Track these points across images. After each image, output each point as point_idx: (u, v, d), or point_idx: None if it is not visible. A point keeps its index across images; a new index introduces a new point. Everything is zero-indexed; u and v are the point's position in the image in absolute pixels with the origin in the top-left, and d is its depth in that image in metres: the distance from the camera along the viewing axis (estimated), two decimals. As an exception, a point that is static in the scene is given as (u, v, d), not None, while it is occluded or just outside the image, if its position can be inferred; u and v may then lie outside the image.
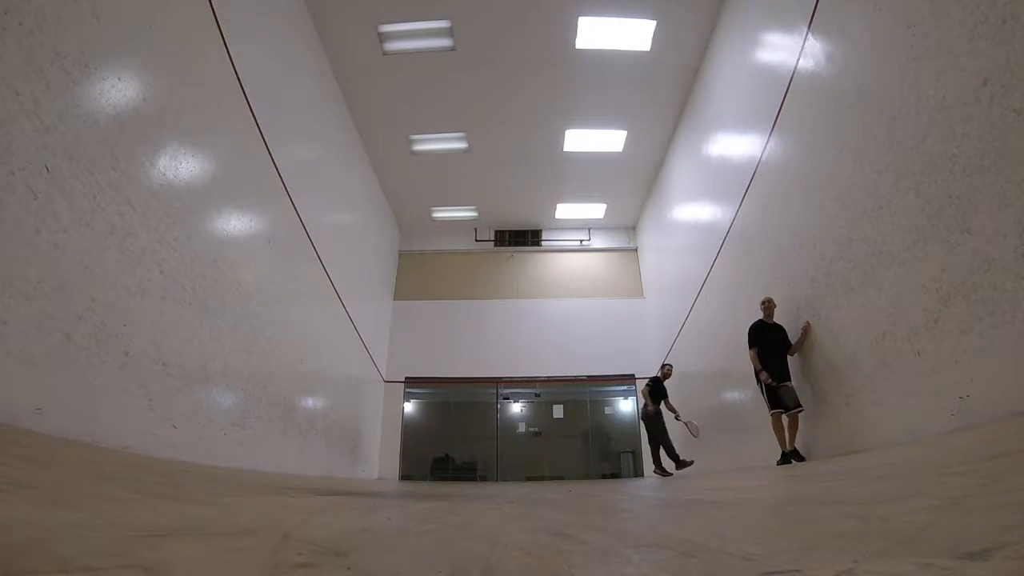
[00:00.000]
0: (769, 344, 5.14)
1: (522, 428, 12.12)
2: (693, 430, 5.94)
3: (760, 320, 5.29)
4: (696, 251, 8.33)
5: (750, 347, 5.26)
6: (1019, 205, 2.57)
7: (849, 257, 4.16)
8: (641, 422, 7.97)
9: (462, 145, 10.01)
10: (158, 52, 3.85)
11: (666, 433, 7.46)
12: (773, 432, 4.98)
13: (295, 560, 1.00)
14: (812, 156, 4.85)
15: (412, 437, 11.43)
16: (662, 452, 7.39)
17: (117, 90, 3.39)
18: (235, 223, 5.04)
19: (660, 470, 7.33)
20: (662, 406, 7.61)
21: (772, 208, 5.71)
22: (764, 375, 5.02)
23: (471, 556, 1.18)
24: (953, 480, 1.65)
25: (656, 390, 7.66)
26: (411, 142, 9.89)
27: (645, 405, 7.64)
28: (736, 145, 6.87)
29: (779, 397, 4.93)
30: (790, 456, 4.82)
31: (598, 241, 12.91)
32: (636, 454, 11.02)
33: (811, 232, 4.80)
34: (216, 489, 2.58)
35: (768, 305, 5.32)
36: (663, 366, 8.13)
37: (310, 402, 7.02)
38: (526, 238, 12.91)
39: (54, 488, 1.57)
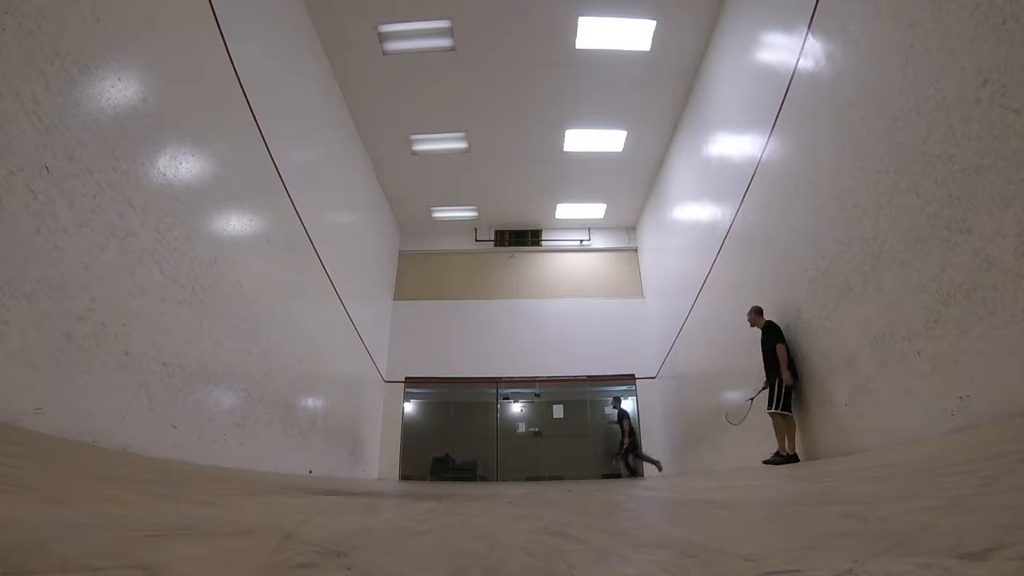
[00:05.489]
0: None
1: (522, 428, 12.11)
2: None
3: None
4: (696, 251, 8.33)
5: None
6: (1019, 205, 2.57)
7: (849, 257, 4.16)
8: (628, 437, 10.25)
9: (462, 145, 10.00)
10: (158, 52, 3.85)
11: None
12: None
13: (295, 560, 1.00)
14: (812, 156, 4.85)
15: (412, 437, 11.42)
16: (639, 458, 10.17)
17: (117, 90, 3.39)
18: (235, 223, 5.04)
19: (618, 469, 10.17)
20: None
21: (772, 208, 5.71)
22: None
23: (471, 556, 1.18)
24: (953, 480, 1.65)
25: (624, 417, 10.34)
26: (411, 142, 9.89)
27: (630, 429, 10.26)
28: (736, 145, 6.87)
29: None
30: (783, 458, 4.85)
31: (598, 241, 12.90)
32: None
33: (811, 232, 4.80)
34: (216, 489, 2.58)
35: (749, 319, 5.54)
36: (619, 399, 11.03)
37: (310, 402, 7.01)
38: (526, 238, 12.91)
39: (54, 488, 1.57)
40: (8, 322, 2.52)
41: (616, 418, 10.59)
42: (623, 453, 10.21)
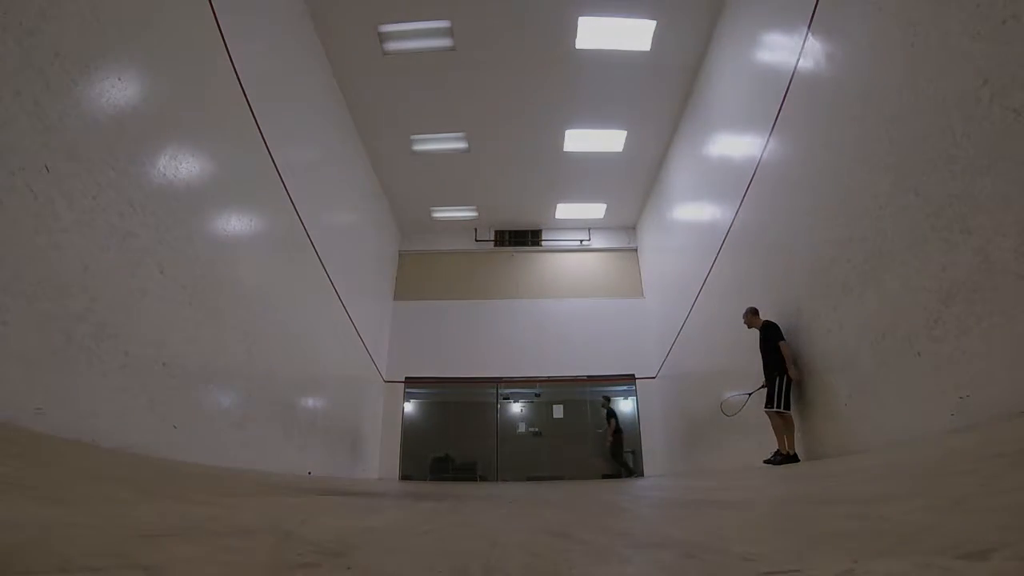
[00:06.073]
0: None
1: (522, 428, 12.11)
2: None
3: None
4: (696, 251, 8.33)
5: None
6: (1019, 205, 2.57)
7: (849, 257, 4.16)
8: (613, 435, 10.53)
9: (462, 145, 10.00)
10: (158, 52, 3.85)
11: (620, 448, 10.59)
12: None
13: (295, 560, 1.00)
14: (812, 156, 4.85)
15: (412, 437, 11.42)
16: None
17: (117, 90, 3.39)
18: (235, 223, 5.04)
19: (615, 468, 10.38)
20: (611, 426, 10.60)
21: (772, 208, 5.71)
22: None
23: (471, 556, 1.18)
24: (953, 480, 1.65)
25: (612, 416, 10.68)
26: (411, 142, 9.89)
27: (616, 428, 10.57)
28: (736, 145, 6.87)
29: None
30: (783, 457, 4.85)
31: (598, 241, 12.90)
32: (636, 454, 11.03)
33: (811, 232, 4.80)
34: (216, 489, 2.58)
35: (745, 320, 5.58)
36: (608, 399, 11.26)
37: (310, 402, 7.01)
38: (526, 238, 12.91)
39: (54, 488, 1.57)
40: (8, 322, 2.52)
41: (605, 418, 10.79)
42: (618, 453, 10.46)
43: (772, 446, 5.05)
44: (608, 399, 11.18)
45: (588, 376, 11.64)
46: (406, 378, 11.54)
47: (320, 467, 7.07)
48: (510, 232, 12.91)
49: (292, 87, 6.67)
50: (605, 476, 10.70)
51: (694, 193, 8.73)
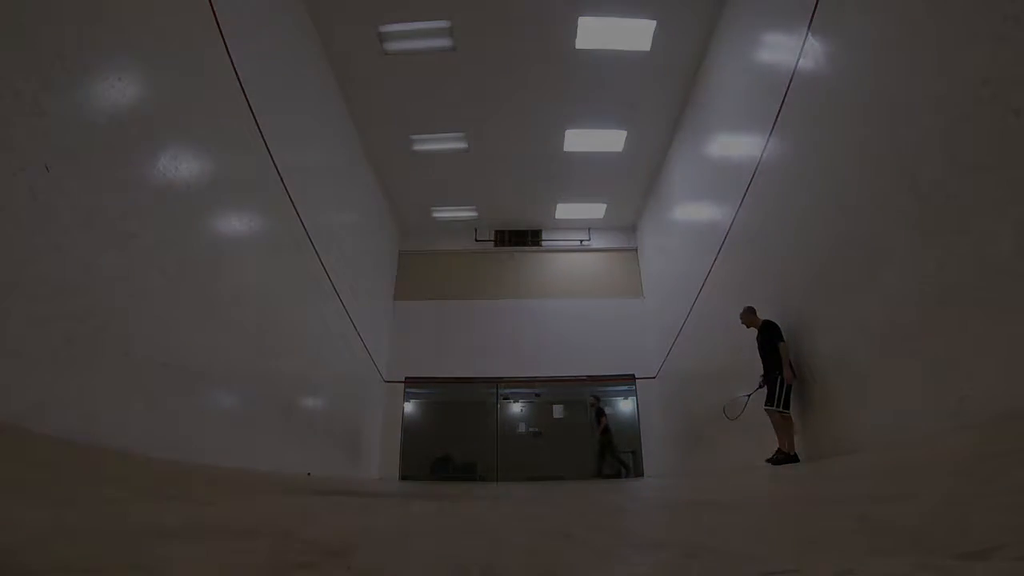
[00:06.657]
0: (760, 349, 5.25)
1: (522, 428, 12.10)
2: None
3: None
4: (696, 251, 8.33)
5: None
6: (1019, 205, 2.57)
7: (848, 257, 4.16)
8: (602, 435, 10.54)
9: (462, 145, 10.00)
10: (159, 52, 3.85)
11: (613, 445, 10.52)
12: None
13: (295, 560, 1.00)
14: (811, 156, 4.85)
15: (412, 437, 11.42)
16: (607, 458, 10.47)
17: (117, 90, 3.39)
18: (235, 223, 5.04)
19: (615, 467, 10.19)
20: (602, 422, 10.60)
21: (771, 208, 5.70)
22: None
23: (471, 556, 1.18)
24: (953, 480, 1.65)
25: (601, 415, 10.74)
26: (411, 142, 9.88)
27: (605, 426, 10.56)
28: (736, 145, 6.87)
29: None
30: (784, 456, 4.84)
31: (598, 241, 12.90)
32: (636, 454, 11.03)
33: (810, 232, 4.80)
34: (216, 489, 2.58)
35: (742, 319, 5.57)
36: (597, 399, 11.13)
37: (310, 402, 7.01)
38: (526, 238, 12.90)
39: (54, 488, 1.57)
40: (8, 322, 2.52)
41: (595, 417, 10.77)
42: (610, 451, 10.47)
43: (772, 445, 5.05)
44: (598, 398, 11.13)
45: (588, 376, 11.63)
46: (406, 378, 11.54)
47: (320, 467, 7.07)
48: (510, 232, 12.90)
49: (292, 87, 6.67)
50: (605, 476, 10.70)
51: (694, 193, 8.73)
